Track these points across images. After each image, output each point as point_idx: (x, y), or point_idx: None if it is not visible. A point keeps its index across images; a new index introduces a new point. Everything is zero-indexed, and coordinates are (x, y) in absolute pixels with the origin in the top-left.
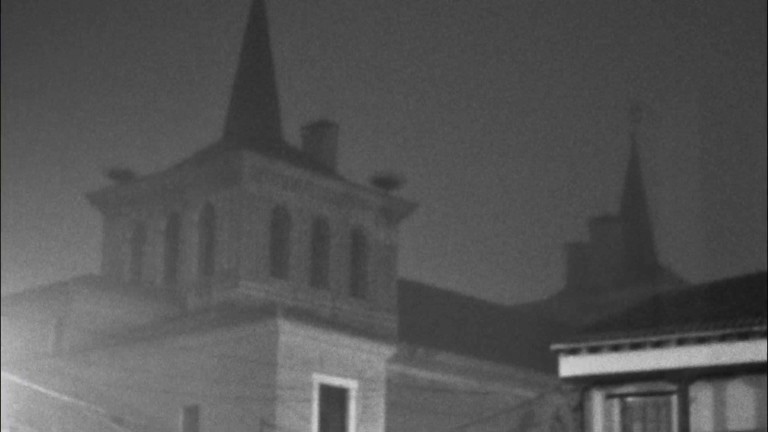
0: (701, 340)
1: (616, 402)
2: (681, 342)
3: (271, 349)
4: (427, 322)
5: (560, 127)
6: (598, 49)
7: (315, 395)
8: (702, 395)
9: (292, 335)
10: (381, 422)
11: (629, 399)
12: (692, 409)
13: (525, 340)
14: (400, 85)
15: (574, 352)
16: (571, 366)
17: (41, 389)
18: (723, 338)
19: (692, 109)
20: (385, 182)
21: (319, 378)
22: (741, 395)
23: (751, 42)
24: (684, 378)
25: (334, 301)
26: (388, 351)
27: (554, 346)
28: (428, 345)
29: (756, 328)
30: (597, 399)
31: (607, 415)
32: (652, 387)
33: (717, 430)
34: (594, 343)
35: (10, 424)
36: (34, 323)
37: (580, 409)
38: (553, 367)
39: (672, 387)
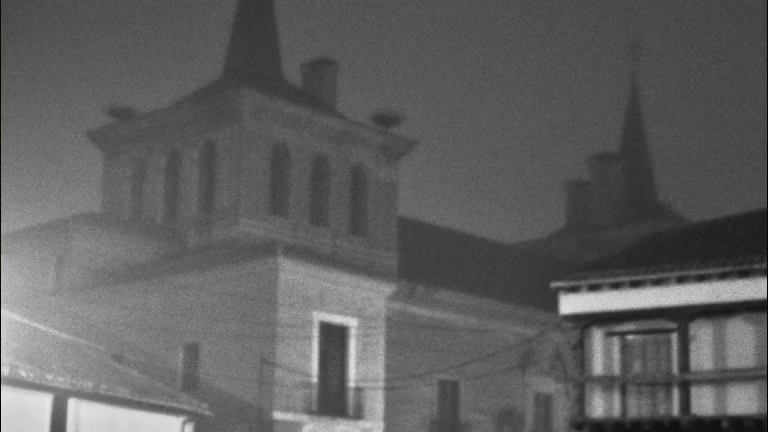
0: (701, 278)
1: (616, 340)
2: (681, 280)
3: (271, 286)
4: (427, 259)
5: (560, 65)
6: None
7: (315, 333)
8: (702, 333)
9: (292, 273)
10: (381, 360)
11: (629, 337)
12: (692, 346)
13: (525, 277)
14: (400, 22)
15: (574, 289)
16: (570, 304)
17: (41, 327)
18: (723, 276)
19: (692, 47)
20: (385, 120)
21: (319, 316)
22: (741, 333)
23: None
24: (684, 316)
25: (334, 239)
26: (387, 288)
27: (554, 284)
28: (428, 283)
29: (756, 266)
30: (597, 337)
31: (607, 352)
32: (652, 325)
33: (717, 367)
34: (594, 281)
35: (10, 361)
36: (34, 261)
37: (580, 347)
38: (553, 305)
39: (672, 325)
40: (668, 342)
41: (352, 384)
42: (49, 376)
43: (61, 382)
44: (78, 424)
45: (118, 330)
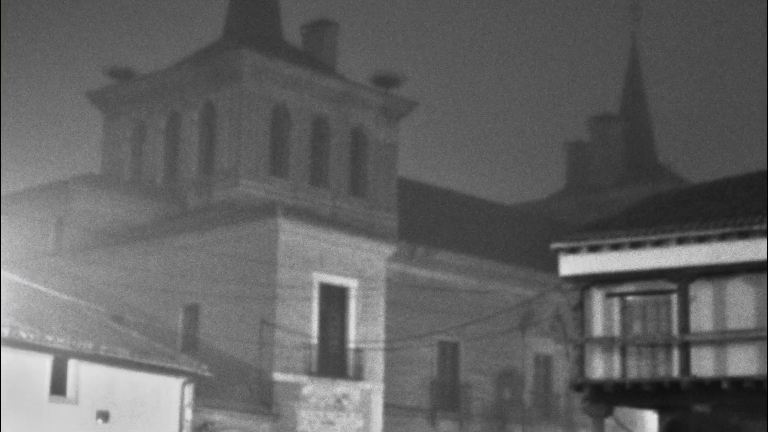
0: (701, 239)
1: (616, 301)
2: (681, 241)
3: (271, 247)
4: (427, 221)
5: (560, 26)
6: None
7: (315, 294)
8: (702, 294)
9: (292, 234)
10: (381, 321)
11: (629, 298)
12: (692, 308)
13: (525, 238)
14: None
15: (574, 250)
16: (570, 265)
17: (41, 288)
18: (723, 237)
19: (692, 7)
20: (385, 81)
21: (318, 277)
22: (741, 294)
23: None
24: (684, 277)
25: (334, 200)
26: (388, 250)
27: (554, 245)
28: (428, 244)
29: (756, 227)
30: (597, 298)
31: (607, 313)
32: (652, 286)
33: (717, 328)
34: (594, 242)
35: (10, 322)
36: (34, 222)
37: (580, 308)
38: (553, 266)
39: (672, 286)
40: (668, 303)
41: (352, 345)
42: (49, 338)
43: (61, 343)
44: (78, 385)
45: (118, 291)
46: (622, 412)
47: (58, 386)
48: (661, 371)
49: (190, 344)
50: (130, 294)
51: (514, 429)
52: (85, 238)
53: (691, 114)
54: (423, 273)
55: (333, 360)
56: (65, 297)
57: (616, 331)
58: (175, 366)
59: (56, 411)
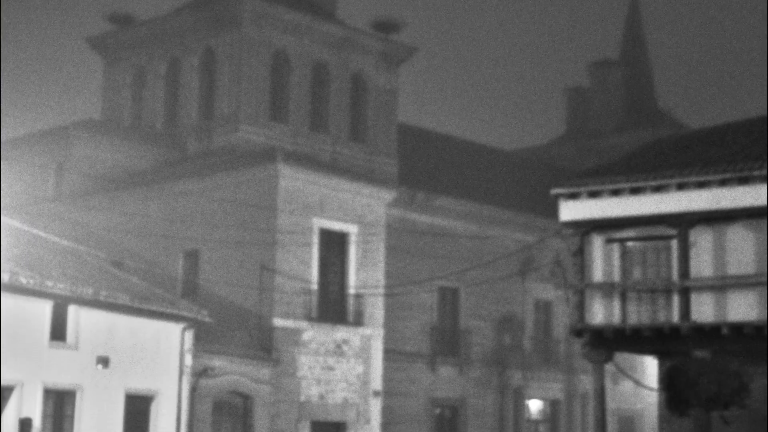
0: (701, 185)
1: (616, 246)
2: (681, 186)
3: (271, 193)
4: (427, 166)
5: None
6: None
7: (315, 239)
8: (702, 240)
9: (291, 179)
10: (381, 266)
11: (629, 243)
12: (692, 253)
13: (525, 184)
14: None
15: (574, 196)
16: (571, 210)
17: (41, 234)
18: (723, 182)
19: None
20: (385, 26)
21: (319, 222)
22: (741, 240)
23: None
24: (684, 222)
25: (334, 146)
26: (388, 195)
27: (554, 191)
28: (428, 189)
29: (756, 173)
30: (597, 243)
31: (607, 259)
32: (652, 231)
33: (717, 274)
34: (594, 188)
35: (10, 268)
36: (34, 168)
37: (580, 254)
38: (553, 212)
39: (672, 231)
40: (668, 248)
41: (352, 291)
42: (49, 283)
43: (61, 288)
44: (78, 331)
45: (117, 237)
46: (622, 357)
47: (58, 332)
48: (661, 317)
49: (190, 290)
50: (130, 239)
51: (514, 374)
52: (85, 183)
53: (691, 59)
54: (423, 218)
55: (333, 305)
56: (65, 242)
57: (616, 276)
58: (175, 311)
59: (56, 356)
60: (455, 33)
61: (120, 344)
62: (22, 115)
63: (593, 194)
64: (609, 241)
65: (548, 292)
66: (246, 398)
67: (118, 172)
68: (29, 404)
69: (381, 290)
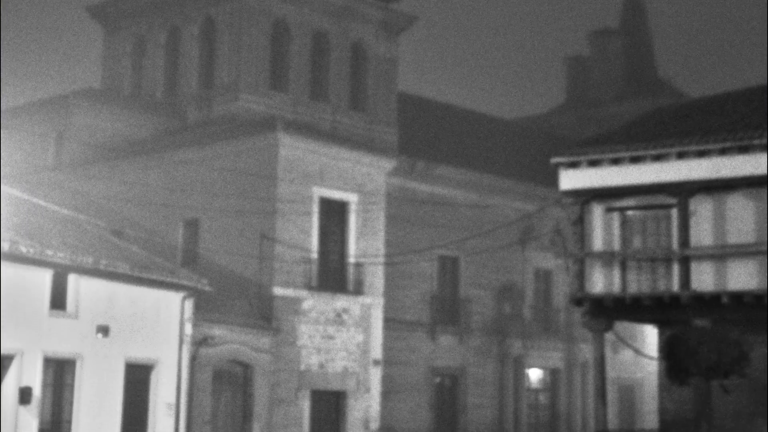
0: (701, 154)
1: (616, 215)
2: (681, 155)
3: (271, 162)
4: (427, 135)
5: None
6: None
7: (315, 208)
8: (702, 208)
9: (292, 148)
10: (381, 235)
11: (629, 212)
12: (692, 222)
13: (525, 153)
14: None
15: (574, 165)
16: (571, 179)
17: (41, 203)
18: (723, 151)
19: None
20: None
21: (319, 191)
22: (741, 208)
23: None
24: (684, 191)
25: (334, 115)
26: (387, 164)
27: (554, 159)
28: (428, 158)
29: (756, 141)
30: (597, 212)
31: (607, 228)
32: (652, 200)
33: (717, 243)
34: (594, 157)
35: (10, 237)
36: (34, 137)
37: (580, 223)
38: (553, 181)
39: (672, 200)
40: (668, 217)
41: (352, 259)
42: (49, 252)
43: (61, 257)
44: (78, 300)
45: (117, 206)
46: (622, 326)
47: (58, 300)
48: (661, 285)
49: (190, 259)
50: (130, 208)
51: (514, 343)
52: (85, 152)
53: (692, 28)
54: (423, 187)
55: (333, 274)
56: (65, 211)
57: (616, 245)
58: (175, 280)
59: (56, 325)
60: (455, 1)
61: (120, 313)
62: (22, 84)
63: (593, 163)
64: (609, 209)
65: (548, 261)
66: (246, 367)
67: (118, 141)
68: (29, 373)
69: (381, 259)
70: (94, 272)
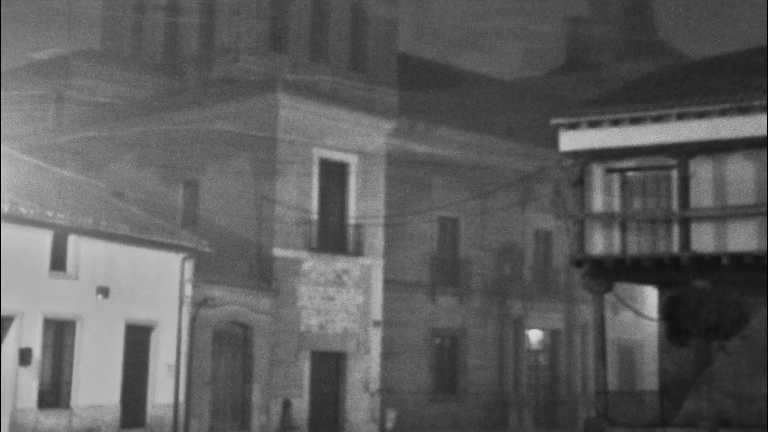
0: (701, 115)
1: (616, 177)
2: (681, 117)
3: (271, 123)
4: (427, 96)
5: None
6: None
7: (315, 170)
8: (702, 170)
9: (292, 110)
10: (381, 196)
11: (629, 173)
12: (692, 183)
13: (525, 114)
14: None
15: (573, 126)
16: (571, 140)
17: (41, 164)
18: (723, 113)
19: None
20: None
21: (319, 152)
22: (741, 170)
23: None
24: (684, 152)
25: (334, 76)
26: (387, 125)
27: (554, 121)
28: (428, 119)
29: (756, 103)
30: (597, 173)
31: (607, 189)
32: (652, 161)
33: (717, 204)
34: (594, 118)
35: (10, 198)
36: (34, 98)
37: (580, 184)
38: (553, 142)
39: (672, 161)
40: (668, 179)
41: (352, 221)
42: (49, 213)
43: (61, 218)
44: (78, 261)
45: (117, 167)
46: (622, 287)
47: (58, 262)
48: (661, 247)
49: (190, 220)
50: (130, 169)
51: (514, 304)
52: (85, 113)
53: None
54: (423, 149)
55: (333, 236)
56: (65, 173)
57: (616, 206)
58: (175, 242)
59: (56, 287)
60: None
61: (120, 274)
62: (22, 46)
63: (593, 124)
64: (609, 171)
65: (548, 222)
66: (246, 328)
67: (118, 102)
68: (29, 334)
69: (381, 220)
70: (94, 233)
